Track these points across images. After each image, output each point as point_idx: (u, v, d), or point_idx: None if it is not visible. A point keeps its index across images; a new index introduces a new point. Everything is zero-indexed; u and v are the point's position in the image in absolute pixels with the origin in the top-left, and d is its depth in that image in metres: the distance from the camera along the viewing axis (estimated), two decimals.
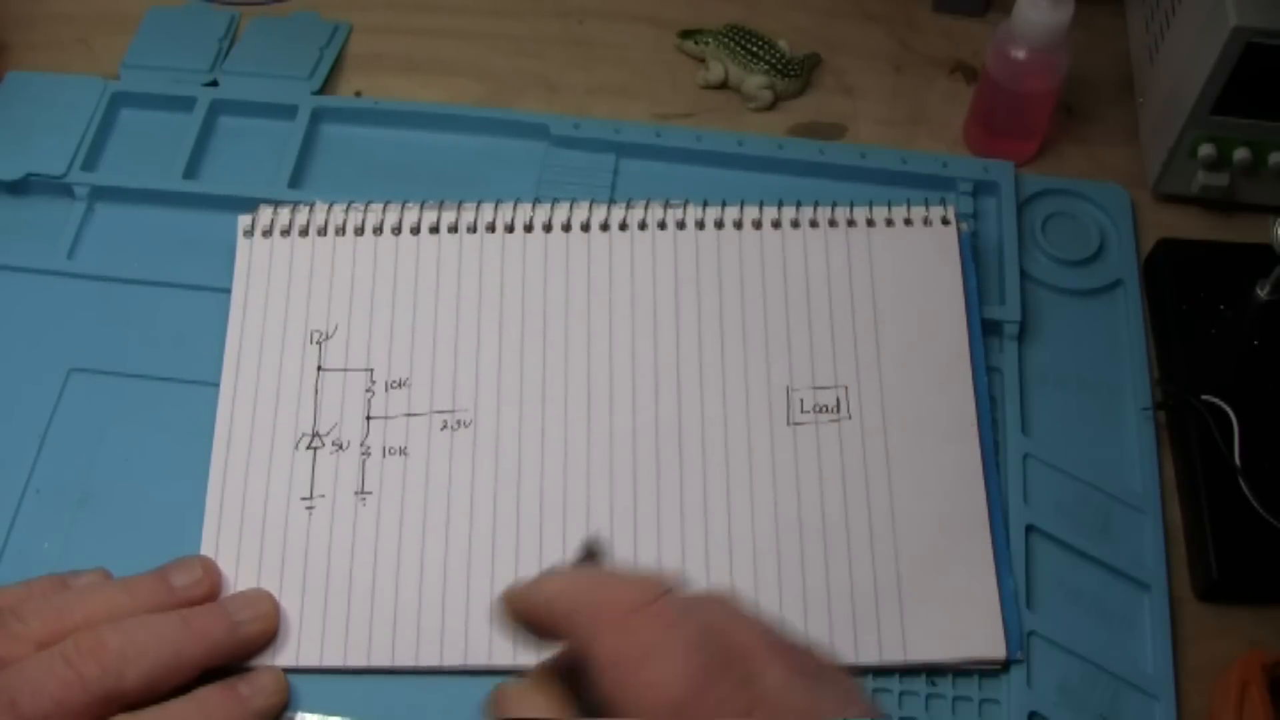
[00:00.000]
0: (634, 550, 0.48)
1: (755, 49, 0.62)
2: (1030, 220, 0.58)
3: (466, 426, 0.50)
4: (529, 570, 0.47)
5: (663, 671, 0.31)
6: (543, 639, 0.36)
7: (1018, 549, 0.49)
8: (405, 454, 0.50)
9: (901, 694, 0.47)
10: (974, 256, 0.55)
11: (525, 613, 0.36)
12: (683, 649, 0.32)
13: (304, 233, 0.54)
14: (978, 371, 0.52)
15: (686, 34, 0.64)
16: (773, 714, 0.31)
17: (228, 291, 0.53)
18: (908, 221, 0.54)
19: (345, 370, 0.51)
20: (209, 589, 0.46)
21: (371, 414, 0.50)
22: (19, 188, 0.58)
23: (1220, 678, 0.47)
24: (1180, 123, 0.55)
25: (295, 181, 0.58)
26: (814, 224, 0.54)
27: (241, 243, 0.54)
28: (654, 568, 0.46)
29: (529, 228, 0.54)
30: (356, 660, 0.46)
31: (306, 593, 0.47)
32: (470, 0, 0.66)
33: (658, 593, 0.33)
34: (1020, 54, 0.55)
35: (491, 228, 0.54)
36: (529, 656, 0.45)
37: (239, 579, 0.47)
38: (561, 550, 0.48)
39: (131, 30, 0.63)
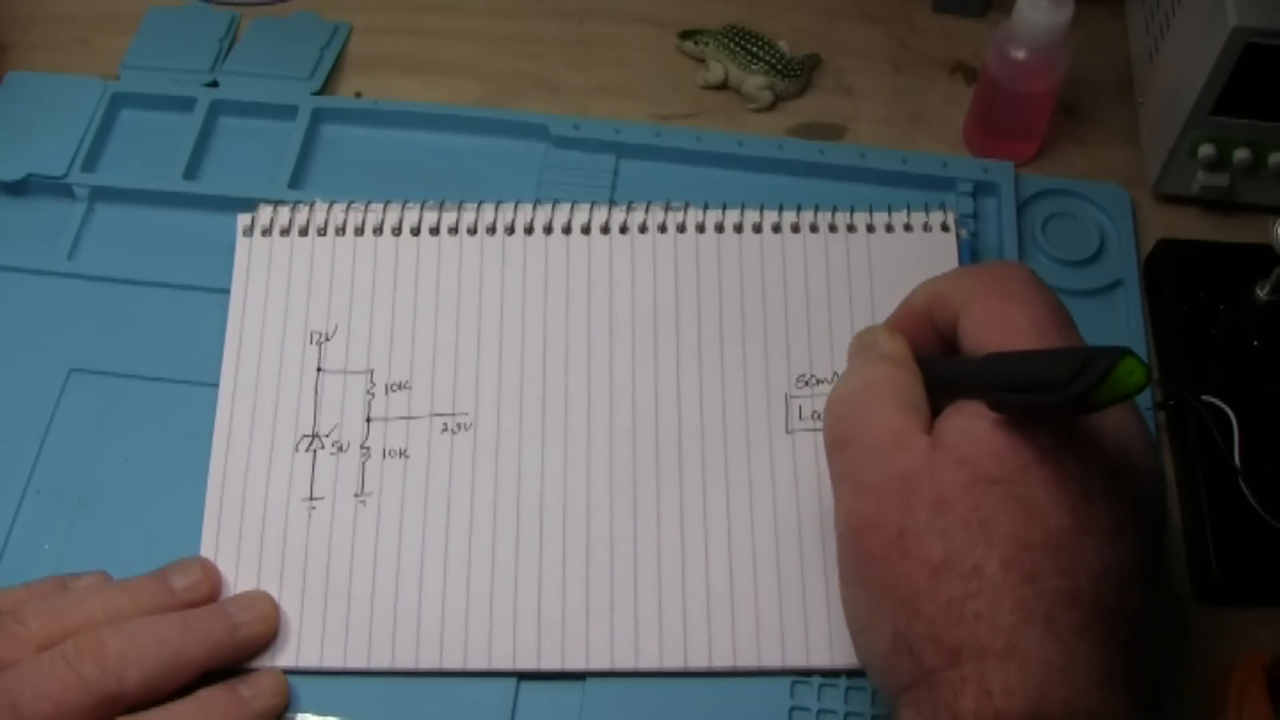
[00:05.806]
0: (634, 552, 0.48)
1: (755, 49, 0.61)
2: (1030, 221, 0.57)
3: (467, 429, 0.50)
4: (529, 573, 0.47)
5: (1022, 314, 0.40)
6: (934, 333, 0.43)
7: None
8: (405, 456, 0.50)
9: None
10: (973, 260, 0.55)
11: (910, 314, 0.44)
12: (1039, 297, 0.41)
13: (304, 232, 0.54)
14: None
15: (686, 34, 0.64)
16: None
17: (228, 292, 0.53)
18: (907, 227, 0.54)
19: (345, 372, 0.51)
20: (209, 590, 0.46)
21: (372, 416, 0.50)
22: (19, 188, 0.58)
23: (1220, 678, 0.47)
24: (1180, 123, 0.55)
25: (295, 182, 0.58)
26: (814, 229, 0.54)
27: (241, 241, 0.54)
28: None
29: (529, 229, 0.54)
30: (356, 662, 0.46)
31: (306, 594, 0.47)
32: (470, 0, 0.66)
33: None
34: (1020, 54, 0.55)
35: (492, 229, 0.54)
36: (529, 660, 0.46)
37: (239, 580, 0.47)
38: (561, 552, 0.48)
39: (131, 30, 0.63)
